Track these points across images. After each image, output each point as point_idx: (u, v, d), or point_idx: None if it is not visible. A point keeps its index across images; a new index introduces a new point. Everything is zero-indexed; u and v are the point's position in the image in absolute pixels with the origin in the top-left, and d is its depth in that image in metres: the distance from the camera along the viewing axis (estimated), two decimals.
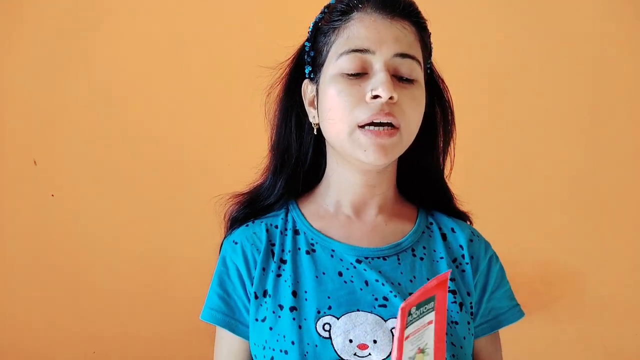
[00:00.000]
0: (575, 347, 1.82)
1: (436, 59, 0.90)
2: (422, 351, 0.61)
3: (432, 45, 0.87)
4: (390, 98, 0.76)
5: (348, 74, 0.79)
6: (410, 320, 0.58)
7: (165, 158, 1.73)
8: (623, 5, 1.78)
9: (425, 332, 0.61)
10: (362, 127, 0.77)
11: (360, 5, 0.81)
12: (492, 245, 0.92)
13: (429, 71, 0.88)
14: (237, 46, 1.71)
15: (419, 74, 0.80)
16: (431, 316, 0.61)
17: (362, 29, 0.79)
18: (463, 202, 0.94)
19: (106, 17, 1.71)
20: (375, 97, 0.76)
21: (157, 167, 1.74)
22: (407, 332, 0.58)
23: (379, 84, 0.76)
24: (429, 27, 0.86)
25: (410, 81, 0.79)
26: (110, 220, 1.73)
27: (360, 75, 0.79)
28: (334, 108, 0.79)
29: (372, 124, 0.77)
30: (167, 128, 1.73)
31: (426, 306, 0.60)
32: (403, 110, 0.78)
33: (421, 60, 0.82)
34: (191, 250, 1.71)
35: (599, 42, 1.79)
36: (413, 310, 0.58)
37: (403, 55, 0.78)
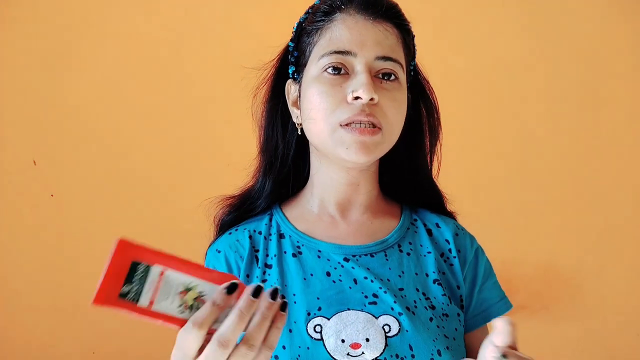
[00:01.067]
0: (575, 347, 1.82)
1: (428, 59, 0.91)
2: (186, 290, 0.58)
3: (415, 47, 0.87)
4: (371, 99, 0.76)
5: (329, 75, 0.79)
6: (134, 296, 0.56)
7: (164, 158, 1.73)
8: (623, 5, 1.78)
9: (168, 279, 0.57)
10: (343, 125, 0.78)
11: (343, 7, 0.81)
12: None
13: (412, 73, 0.88)
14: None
15: (400, 76, 0.81)
16: (156, 270, 0.57)
17: (344, 31, 0.79)
18: (456, 202, 0.94)
19: (106, 16, 1.71)
20: (356, 98, 0.76)
21: (156, 168, 1.73)
22: (144, 302, 0.56)
23: (359, 86, 0.76)
24: (412, 29, 0.86)
25: (391, 83, 0.80)
26: (110, 220, 1.72)
27: (342, 76, 0.79)
28: (315, 108, 0.79)
29: (354, 122, 0.77)
30: (166, 128, 1.73)
31: (136, 273, 0.56)
32: (384, 111, 0.78)
33: (403, 62, 0.82)
34: (192, 250, 1.71)
35: (598, 42, 1.79)
36: (125, 288, 0.56)
37: (384, 59, 0.79)
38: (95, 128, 1.71)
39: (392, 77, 0.80)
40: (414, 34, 0.86)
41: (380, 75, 0.80)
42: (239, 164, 1.78)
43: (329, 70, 0.79)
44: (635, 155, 1.80)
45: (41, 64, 1.69)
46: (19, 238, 1.71)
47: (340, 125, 0.78)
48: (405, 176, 0.91)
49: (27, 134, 1.70)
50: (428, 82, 0.91)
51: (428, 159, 0.91)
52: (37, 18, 1.69)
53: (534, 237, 1.78)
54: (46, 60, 1.70)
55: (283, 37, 0.90)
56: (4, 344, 1.71)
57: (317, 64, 0.80)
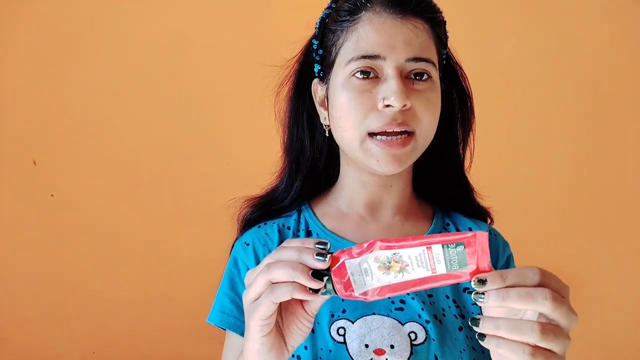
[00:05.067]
0: (575, 347, 1.81)
1: (453, 48, 0.86)
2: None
3: (447, 35, 0.82)
4: (404, 106, 0.72)
5: (358, 80, 0.75)
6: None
7: (166, 159, 1.72)
8: (623, 5, 1.77)
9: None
10: (373, 135, 0.74)
11: (368, 5, 0.76)
12: None
13: (444, 62, 0.83)
14: (242, 45, 1.70)
15: (433, 74, 0.76)
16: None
17: (372, 33, 0.74)
18: (484, 197, 0.91)
19: (107, 16, 1.70)
20: (387, 105, 0.73)
21: (158, 168, 1.73)
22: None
23: (390, 93, 0.72)
24: (444, 16, 0.81)
25: (424, 83, 0.75)
26: (110, 220, 1.72)
27: (371, 80, 0.74)
28: (344, 116, 0.75)
29: (384, 133, 0.74)
30: (169, 129, 1.72)
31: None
32: (417, 116, 0.74)
33: (435, 59, 0.77)
34: (192, 250, 1.71)
35: (600, 42, 1.79)
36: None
37: (415, 60, 0.74)
38: (95, 128, 1.71)
39: (425, 77, 0.75)
40: (445, 20, 0.81)
41: (412, 76, 0.75)
42: (239, 164, 1.78)
43: (357, 74, 0.74)
44: (636, 155, 1.80)
45: (41, 64, 1.69)
46: (19, 238, 1.70)
47: (369, 134, 0.74)
48: (437, 170, 0.87)
49: (27, 134, 1.70)
50: (461, 68, 0.86)
51: (460, 150, 0.88)
52: (38, 18, 1.68)
53: (532, 237, 1.77)
54: (46, 60, 1.69)
55: (302, 32, 0.87)
56: (4, 344, 1.71)
57: (344, 69, 0.76)
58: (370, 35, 0.74)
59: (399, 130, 0.73)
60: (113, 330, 1.73)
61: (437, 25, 0.78)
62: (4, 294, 1.70)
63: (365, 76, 0.74)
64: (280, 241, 0.82)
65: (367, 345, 0.71)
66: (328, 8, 0.82)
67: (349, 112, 0.75)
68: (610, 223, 1.81)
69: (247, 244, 0.84)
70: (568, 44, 1.79)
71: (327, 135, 0.83)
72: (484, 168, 1.71)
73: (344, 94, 0.75)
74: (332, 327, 0.73)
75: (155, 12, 1.71)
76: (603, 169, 1.80)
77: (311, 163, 0.86)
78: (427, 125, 0.76)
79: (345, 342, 0.72)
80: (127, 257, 1.72)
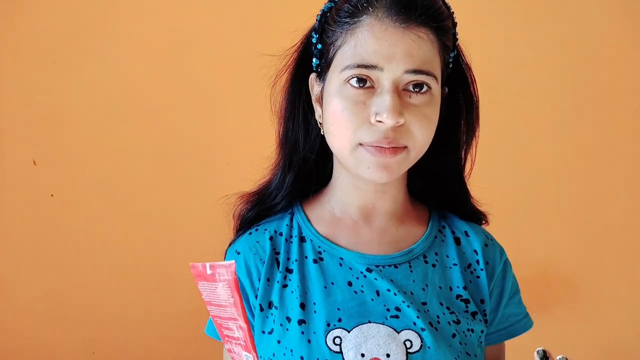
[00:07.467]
0: (575, 347, 1.81)
1: (464, 44, 0.83)
2: None
3: (456, 37, 0.79)
4: (397, 122, 0.70)
5: (353, 88, 0.72)
6: None
7: (166, 157, 1.72)
8: (623, 5, 1.77)
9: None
10: (364, 145, 0.73)
11: (370, 9, 0.71)
12: None
13: (451, 65, 0.79)
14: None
15: (432, 87, 0.73)
16: None
17: (371, 40, 0.70)
18: (483, 203, 0.90)
19: (106, 15, 1.70)
20: (380, 121, 0.70)
21: (158, 167, 1.73)
22: None
23: (384, 109, 0.69)
24: (454, 18, 0.77)
25: (422, 96, 0.72)
26: (110, 220, 1.72)
27: (367, 89, 0.72)
28: (336, 124, 0.74)
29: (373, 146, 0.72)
30: (168, 126, 1.71)
31: None
32: (411, 132, 0.72)
33: (438, 71, 0.74)
34: (192, 250, 1.71)
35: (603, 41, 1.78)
36: None
37: (415, 72, 0.70)
38: (95, 128, 1.71)
39: (424, 89, 0.72)
40: (455, 21, 0.77)
41: (411, 87, 0.72)
42: (239, 164, 1.78)
43: (353, 82, 0.72)
44: (635, 155, 1.80)
45: (41, 63, 1.69)
46: (19, 238, 1.70)
47: (360, 144, 0.73)
48: (435, 175, 0.86)
49: (27, 134, 1.70)
50: (470, 70, 0.83)
51: (462, 155, 0.85)
52: (38, 18, 1.68)
53: (532, 237, 1.77)
54: (46, 60, 1.69)
55: (301, 22, 0.85)
56: (3, 344, 1.71)
57: (339, 75, 0.73)
58: (369, 42, 0.70)
59: (389, 147, 0.72)
60: (113, 331, 1.73)
61: (443, 34, 0.74)
62: (3, 294, 1.70)
63: (361, 85, 0.72)
64: (272, 249, 0.81)
65: (363, 355, 0.71)
66: (330, 1, 0.79)
67: (340, 121, 0.73)
68: (610, 223, 1.81)
69: (238, 253, 0.82)
70: (568, 49, 1.78)
71: (322, 133, 0.81)
72: (484, 167, 1.71)
73: (338, 101, 0.73)
74: (328, 336, 0.73)
75: (151, 10, 1.71)
76: (604, 169, 1.80)
77: (303, 160, 0.84)
78: (420, 141, 0.74)
79: (341, 352, 0.72)
80: (127, 257, 1.72)
